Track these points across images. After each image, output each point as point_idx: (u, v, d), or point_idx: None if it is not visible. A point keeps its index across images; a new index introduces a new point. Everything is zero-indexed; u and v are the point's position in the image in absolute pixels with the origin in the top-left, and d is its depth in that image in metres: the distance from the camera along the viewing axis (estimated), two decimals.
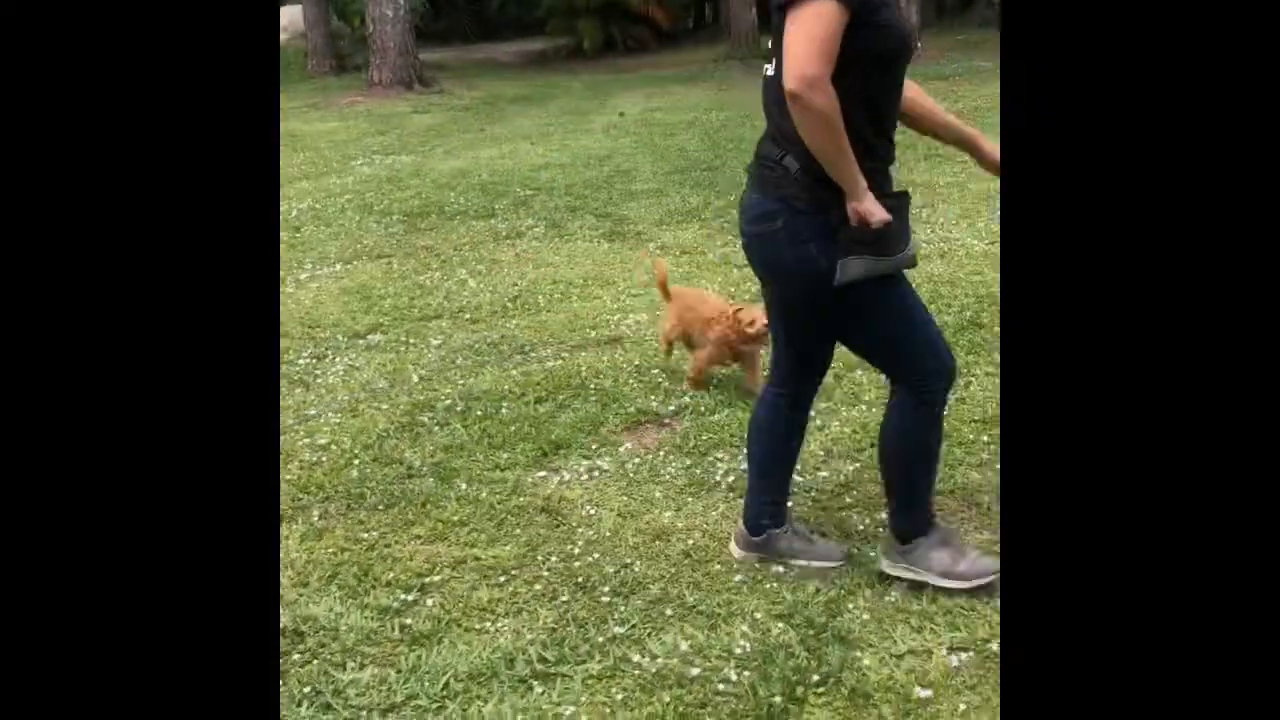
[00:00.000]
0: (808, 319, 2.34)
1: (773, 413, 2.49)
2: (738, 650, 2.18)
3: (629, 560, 2.56)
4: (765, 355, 3.13)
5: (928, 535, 2.38)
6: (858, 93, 2.01)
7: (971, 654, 2.13)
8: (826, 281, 2.14)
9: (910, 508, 2.39)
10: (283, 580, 2.48)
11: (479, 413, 3.46)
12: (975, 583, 2.33)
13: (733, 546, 2.59)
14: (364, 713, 2.05)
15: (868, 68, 2.03)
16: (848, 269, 2.12)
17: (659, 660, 2.17)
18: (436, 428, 3.37)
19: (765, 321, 2.86)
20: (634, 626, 2.29)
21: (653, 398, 3.54)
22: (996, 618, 2.23)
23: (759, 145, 2.26)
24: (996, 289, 4.39)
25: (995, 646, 2.14)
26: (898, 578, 2.40)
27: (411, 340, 4.26)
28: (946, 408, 2.41)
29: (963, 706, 1.99)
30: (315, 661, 2.21)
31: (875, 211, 2.07)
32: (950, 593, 2.32)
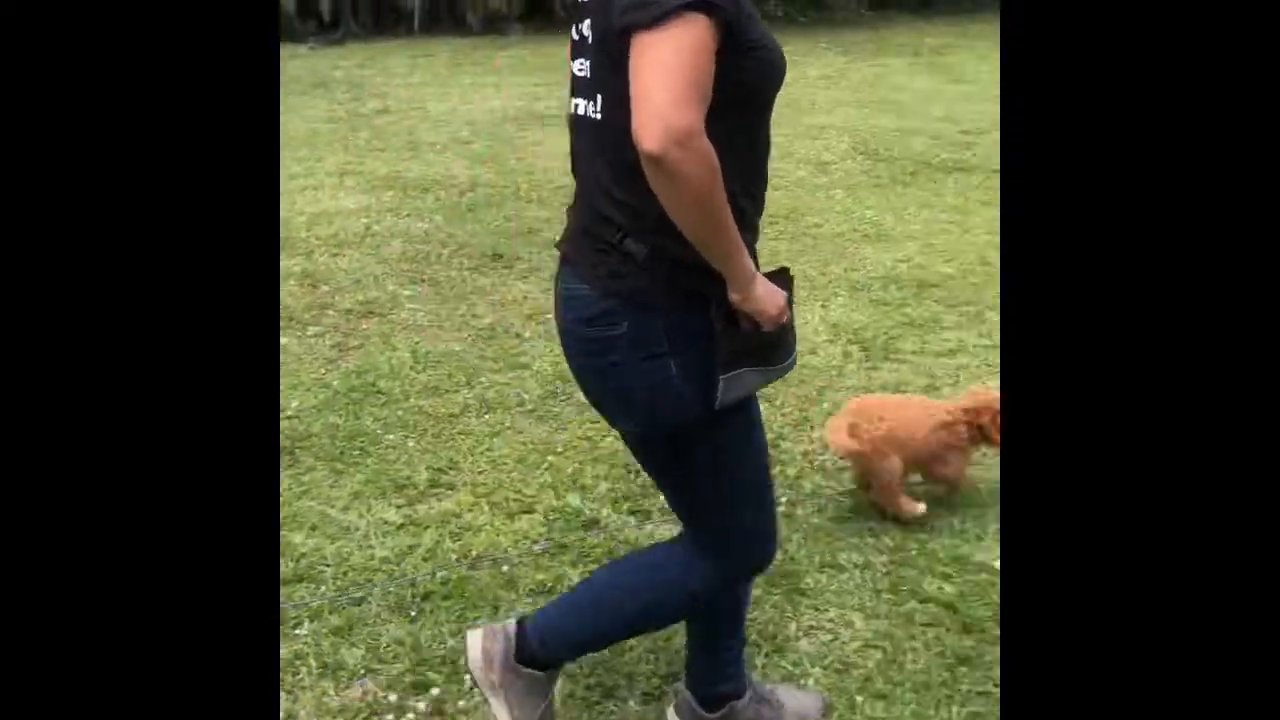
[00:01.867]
0: (659, 457, 1.74)
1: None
2: None
3: None
4: None
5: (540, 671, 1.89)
6: (726, 143, 1.41)
7: None
8: (685, 410, 1.58)
9: (579, 648, 1.95)
10: None
11: None
12: None
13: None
14: None
15: (739, 107, 1.47)
16: (735, 386, 1.57)
17: None
18: None
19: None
20: None
21: None
22: None
23: (577, 213, 1.64)
24: None
25: None
26: None
27: None
28: None
29: None
30: None
31: (772, 303, 1.55)
32: None
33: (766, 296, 1.54)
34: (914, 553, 2.63)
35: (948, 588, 2.48)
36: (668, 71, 1.35)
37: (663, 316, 1.56)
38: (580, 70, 1.57)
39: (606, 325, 1.58)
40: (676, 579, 1.81)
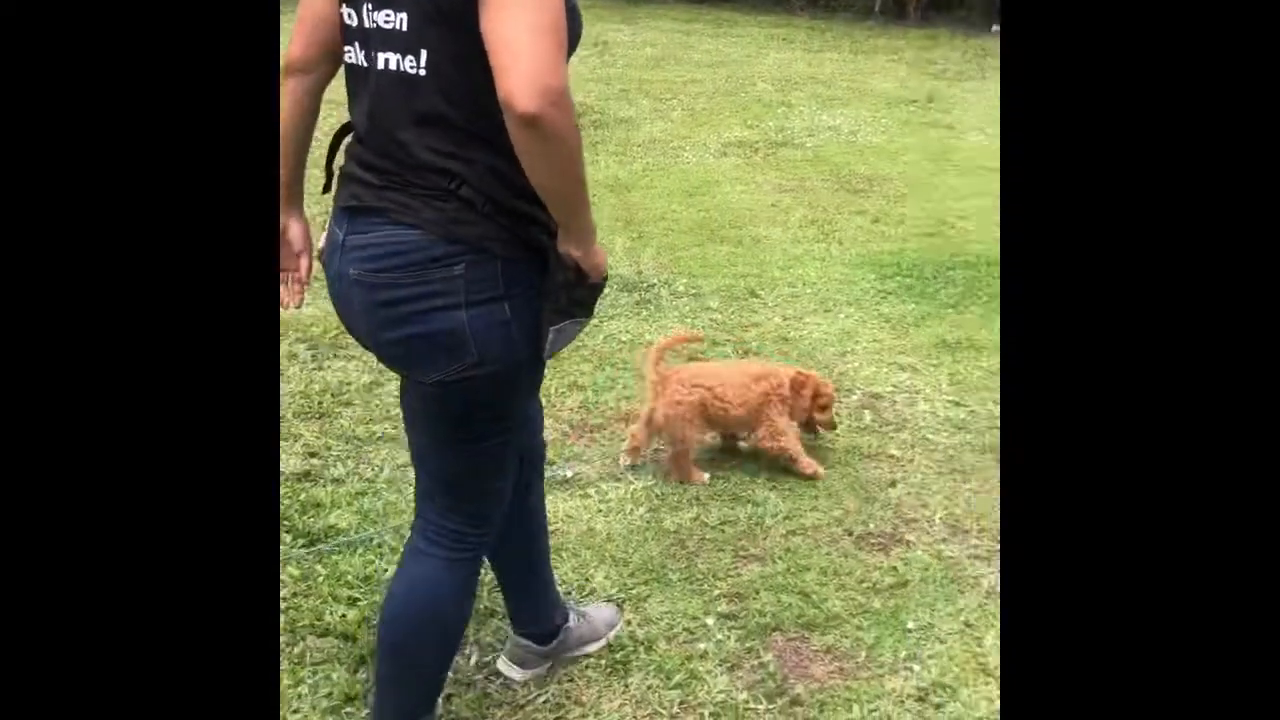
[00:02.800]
0: (456, 409, 1.66)
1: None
2: None
3: None
4: None
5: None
6: None
7: None
8: (513, 352, 1.60)
9: (424, 703, 1.88)
10: None
11: None
12: None
13: (510, 669, 2.17)
14: None
15: None
16: (563, 335, 1.63)
17: None
18: None
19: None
20: None
21: None
22: None
23: (379, 166, 1.56)
24: None
25: None
26: None
27: None
28: None
29: None
30: None
31: (603, 257, 1.63)
32: None
33: (600, 251, 1.61)
34: (321, 578, 2.42)
35: (351, 614, 2.30)
36: (537, 31, 1.36)
37: (500, 262, 1.56)
38: (386, 22, 1.50)
39: (439, 267, 1.54)
40: (441, 620, 1.82)
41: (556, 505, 2.78)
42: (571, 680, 2.15)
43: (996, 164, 6.91)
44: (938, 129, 7.89)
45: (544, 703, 2.09)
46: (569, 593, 2.40)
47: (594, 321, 4.03)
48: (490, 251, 1.54)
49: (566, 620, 2.17)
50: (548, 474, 2.92)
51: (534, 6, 1.36)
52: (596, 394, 3.47)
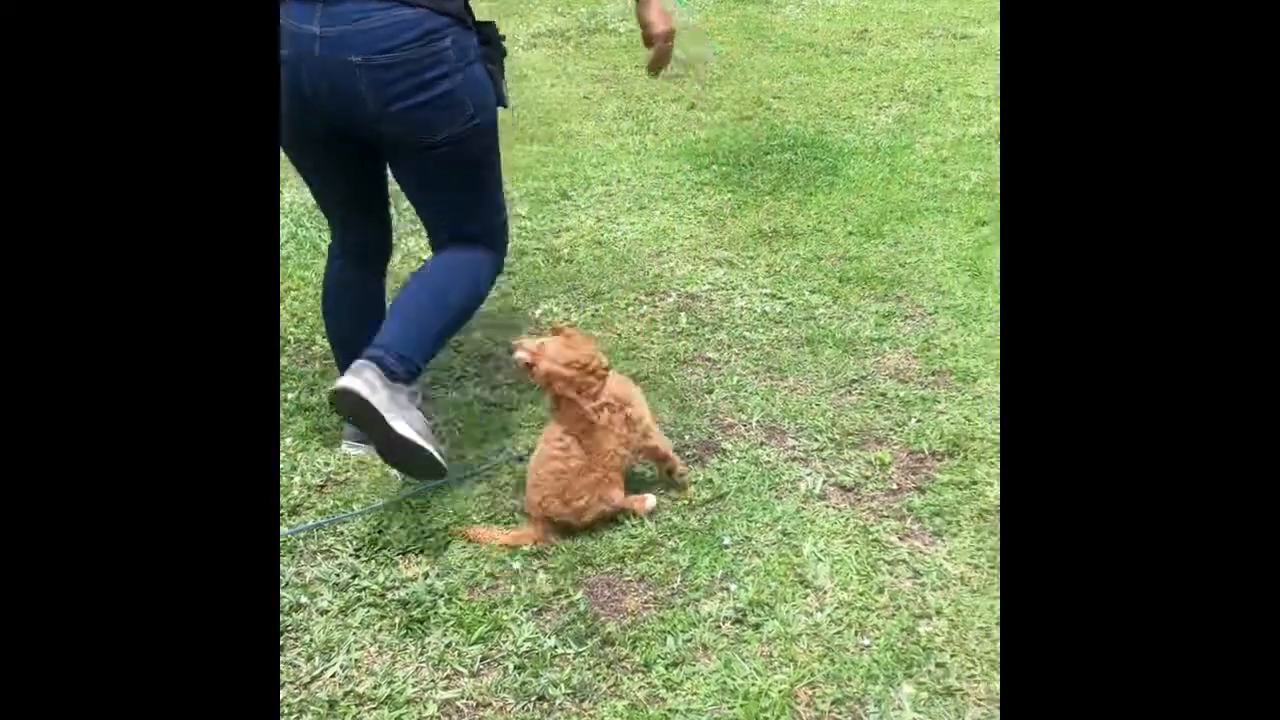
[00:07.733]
0: (465, 160, 2.08)
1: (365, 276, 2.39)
2: None
3: None
4: None
5: (410, 385, 2.09)
6: None
7: None
8: (492, 105, 2.05)
9: (430, 348, 2.13)
10: None
11: None
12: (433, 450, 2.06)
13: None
14: None
15: None
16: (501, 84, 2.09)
17: None
18: None
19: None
20: None
21: None
22: None
23: None
24: None
25: None
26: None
27: None
28: None
29: None
30: None
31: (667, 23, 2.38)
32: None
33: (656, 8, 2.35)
34: None
35: None
36: None
37: (469, 32, 1.96)
38: None
39: (434, 40, 1.88)
40: (475, 278, 2.21)
41: (347, 452, 2.55)
42: (363, 648, 1.96)
43: (812, 39, 6.82)
44: (755, 4, 7.67)
45: (331, 676, 1.90)
46: (375, 544, 2.20)
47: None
48: (465, 23, 1.94)
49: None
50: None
51: None
52: None
